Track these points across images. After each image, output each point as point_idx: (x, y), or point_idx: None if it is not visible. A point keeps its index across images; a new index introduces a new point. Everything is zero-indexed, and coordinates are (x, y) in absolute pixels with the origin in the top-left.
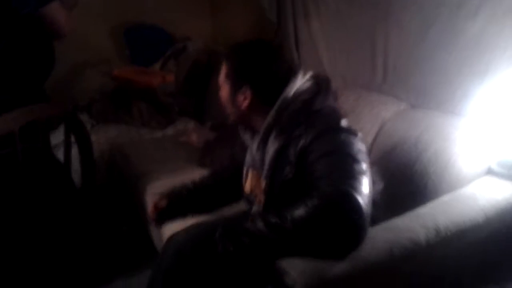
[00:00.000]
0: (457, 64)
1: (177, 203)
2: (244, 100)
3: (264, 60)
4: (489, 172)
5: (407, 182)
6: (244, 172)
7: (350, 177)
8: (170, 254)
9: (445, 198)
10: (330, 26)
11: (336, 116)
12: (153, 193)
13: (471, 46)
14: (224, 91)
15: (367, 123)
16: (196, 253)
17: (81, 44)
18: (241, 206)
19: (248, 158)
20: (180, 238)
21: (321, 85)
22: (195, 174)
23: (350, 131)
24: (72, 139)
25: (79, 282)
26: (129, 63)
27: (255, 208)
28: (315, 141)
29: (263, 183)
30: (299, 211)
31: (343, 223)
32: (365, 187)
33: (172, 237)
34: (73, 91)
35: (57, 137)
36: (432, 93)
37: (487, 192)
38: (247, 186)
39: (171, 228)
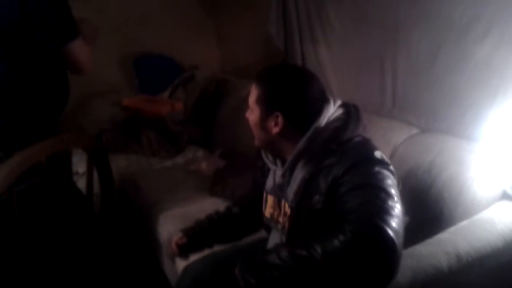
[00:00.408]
0: (466, 88)
1: (199, 236)
2: (275, 126)
3: (299, 87)
4: (504, 196)
5: (422, 208)
6: (264, 197)
7: (382, 211)
8: (188, 284)
9: (463, 223)
10: (338, 52)
11: (369, 146)
12: (167, 225)
13: (480, 69)
14: (254, 114)
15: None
16: (214, 285)
17: (90, 74)
18: (256, 233)
19: (268, 184)
20: (196, 268)
21: (351, 113)
22: (206, 202)
23: (384, 163)
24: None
25: None
26: (138, 92)
27: (274, 234)
28: (348, 173)
29: (288, 210)
30: (331, 245)
31: (376, 258)
32: (397, 222)
33: (187, 268)
34: (82, 121)
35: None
36: (442, 117)
37: (504, 216)
38: (267, 211)
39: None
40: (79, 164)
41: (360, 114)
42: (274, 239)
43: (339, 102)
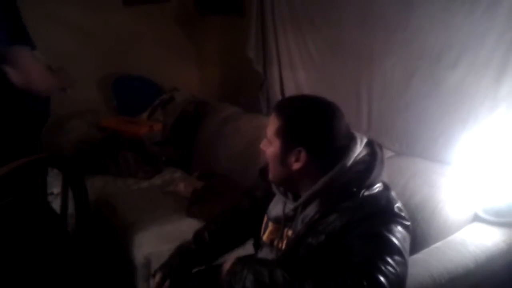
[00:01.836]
0: (438, 113)
1: (178, 271)
2: (296, 162)
3: (325, 121)
4: (476, 218)
5: None
6: (264, 222)
7: (387, 267)
8: None
9: (437, 245)
10: (315, 77)
11: (390, 198)
12: (143, 246)
13: (451, 95)
14: (273, 147)
15: None
16: None
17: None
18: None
19: (272, 211)
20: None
21: (376, 155)
22: (183, 223)
23: (401, 217)
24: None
25: None
26: (117, 114)
27: (267, 254)
28: (364, 220)
29: (291, 239)
30: (326, 285)
31: None
32: (398, 280)
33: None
34: (59, 141)
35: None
36: (415, 140)
37: (476, 238)
38: (266, 236)
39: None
40: (55, 184)
41: (384, 155)
42: (265, 257)
43: (365, 140)
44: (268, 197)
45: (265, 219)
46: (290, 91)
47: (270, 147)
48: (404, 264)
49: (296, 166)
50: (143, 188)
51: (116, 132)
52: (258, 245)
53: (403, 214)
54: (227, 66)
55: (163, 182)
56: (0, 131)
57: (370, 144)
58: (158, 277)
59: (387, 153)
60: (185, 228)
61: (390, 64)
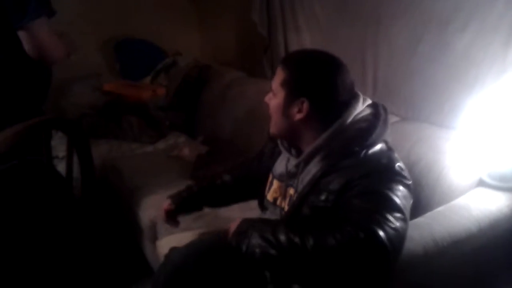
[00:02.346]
0: (445, 78)
1: (188, 201)
2: (299, 112)
3: (330, 74)
4: (480, 183)
5: None
6: (269, 180)
7: (385, 222)
8: (167, 274)
9: (439, 209)
10: (321, 40)
11: (392, 157)
12: (149, 210)
13: (459, 60)
14: (277, 98)
15: None
16: (199, 271)
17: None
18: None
19: (277, 169)
20: (178, 257)
21: (380, 115)
22: None
23: (402, 176)
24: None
25: None
26: (120, 77)
27: (271, 216)
28: (365, 177)
29: (293, 198)
30: (325, 239)
31: (364, 265)
32: (397, 235)
33: (169, 255)
34: (63, 105)
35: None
36: (421, 105)
37: (480, 202)
38: (270, 195)
39: (167, 243)
40: (59, 148)
41: (388, 117)
42: (270, 218)
43: (368, 101)
44: (274, 157)
45: (270, 177)
46: None
47: (274, 99)
48: (404, 220)
49: (298, 116)
50: (148, 153)
51: (119, 96)
52: (263, 206)
53: (404, 173)
54: (231, 30)
55: (168, 146)
56: (6, 97)
57: (374, 105)
58: (166, 203)
59: (393, 118)
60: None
61: (397, 28)
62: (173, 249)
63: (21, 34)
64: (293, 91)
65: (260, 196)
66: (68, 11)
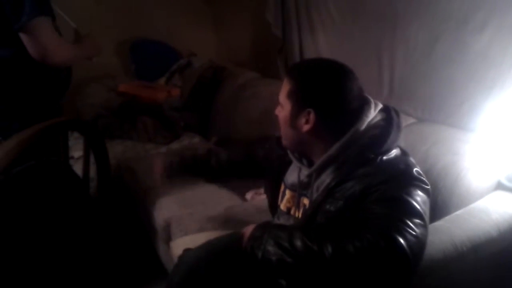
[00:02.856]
0: (463, 78)
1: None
2: (305, 124)
3: (335, 82)
4: (499, 186)
5: None
6: (281, 190)
7: (406, 229)
8: (181, 276)
9: (458, 213)
10: (336, 40)
11: (408, 162)
12: (163, 210)
13: (477, 60)
14: (284, 110)
15: None
16: (211, 273)
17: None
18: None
19: (288, 178)
20: (191, 258)
21: (392, 120)
22: (202, 188)
23: (421, 181)
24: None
25: None
26: (135, 78)
27: (283, 221)
28: (383, 184)
29: (307, 207)
30: (344, 247)
31: (385, 274)
32: (417, 242)
33: (182, 257)
34: (78, 106)
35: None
36: (438, 107)
37: (499, 206)
38: (283, 205)
39: (181, 244)
40: (75, 148)
41: (401, 121)
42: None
43: (380, 106)
44: (284, 165)
45: (282, 187)
46: (309, 55)
47: (282, 111)
48: (424, 227)
49: (305, 128)
50: (162, 153)
51: (134, 97)
52: (274, 209)
53: (422, 177)
54: (245, 30)
55: (182, 147)
56: (23, 98)
57: (386, 110)
58: (168, 161)
59: (409, 120)
60: (204, 193)
61: (414, 28)
62: (186, 250)
63: (22, 36)
64: (299, 102)
65: (270, 201)
66: (83, 12)
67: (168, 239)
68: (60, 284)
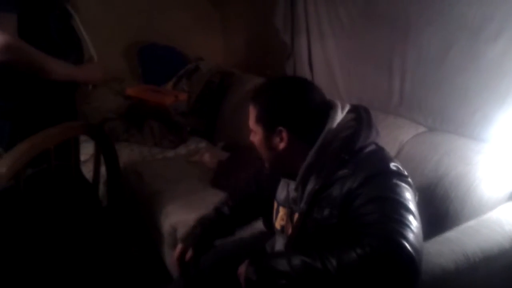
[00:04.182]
0: (476, 87)
1: (199, 244)
2: (280, 142)
3: (296, 96)
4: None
5: (428, 207)
6: (275, 208)
7: (402, 227)
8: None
9: (471, 223)
10: (346, 48)
11: (384, 157)
12: (169, 215)
13: (491, 69)
14: (257, 136)
15: (385, 147)
16: (216, 279)
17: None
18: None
19: (280, 195)
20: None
21: (362, 119)
22: (209, 193)
23: (401, 175)
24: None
25: None
26: (142, 82)
27: (280, 241)
28: (364, 185)
29: (295, 218)
30: (347, 258)
31: (394, 276)
32: (416, 238)
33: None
34: (85, 110)
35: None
36: (450, 116)
37: None
38: (277, 223)
39: None
40: (82, 152)
41: (372, 118)
42: (280, 245)
43: (348, 107)
44: (274, 183)
45: (275, 204)
46: (318, 61)
47: (255, 137)
48: (416, 219)
49: (281, 146)
50: (169, 158)
51: (141, 101)
52: (269, 226)
53: (401, 171)
54: (253, 36)
55: (188, 152)
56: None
57: (355, 110)
58: (179, 248)
59: (420, 129)
60: (211, 198)
61: (426, 35)
62: None
63: None
64: (268, 124)
65: (264, 217)
66: (92, 16)
67: (175, 244)
68: (65, 286)
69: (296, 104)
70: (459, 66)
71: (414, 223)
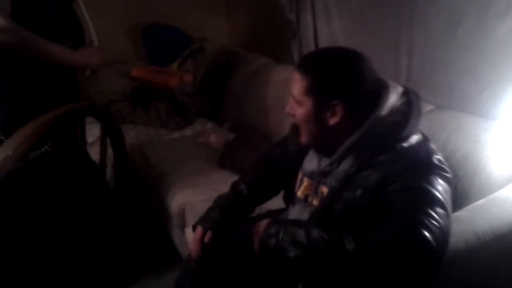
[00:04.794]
0: (485, 65)
1: (219, 225)
2: (333, 116)
3: (357, 70)
4: None
5: None
6: (299, 178)
7: (429, 220)
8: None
9: (480, 202)
10: (352, 26)
11: (428, 149)
12: (177, 196)
13: (500, 46)
14: (304, 107)
15: None
16: (227, 256)
17: (99, 45)
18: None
19: (306, 166)
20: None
21: (412, 104)
22: (215, 174)
23: (441, 169)
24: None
25: (100, 285)
26: (147, 63)
27: (300, 210)
28: (403, 173)
29: (326, 195)
30: (367, 241)
31: (412, 267)
32: (442, 233)
33: None
34: (91, 91)
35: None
36: (458, 94)
37: None
38: (301, 192)
39: None
40: (88, 133)
41: (421, 104)
42: (299, 214)
43: (400, 89)
44: (302, 153)
45: (300, 174)
46: (324, 41)
47: (300, 109)
48: (447, 216)
49: (333, 121)
50: (175, 139)
51: (147, 82)
52: (289, 199)
53: (443, 166)
54: (258, 15)
55: (195, 133)
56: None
57: (405, 94)
58: (199, 231)
59: (428, 107)
60: (218, 179)
61: (434, 12)
62: None
63: None
64: (322, 97)
65: (287, 190)
66: None
67: (183, 225)
68: (74, 268)
69: (357, 77)
70: (467, 44)
71: (443, 218)
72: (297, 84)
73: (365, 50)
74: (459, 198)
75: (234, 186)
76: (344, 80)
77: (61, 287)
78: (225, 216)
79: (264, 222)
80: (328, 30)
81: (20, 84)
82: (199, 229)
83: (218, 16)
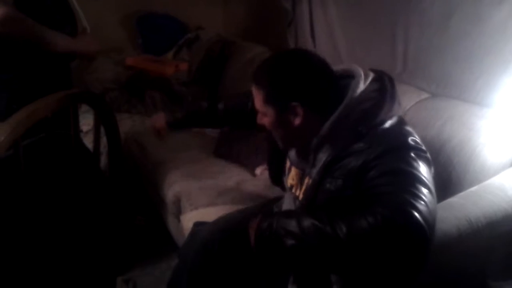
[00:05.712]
0: (480, 52)
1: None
2: (295, 118)
3: (304, 69)
4: None
5: None
6: (287, 166)
7: (416, 199)
8: (196, 251)
9: (473, 189)
10: (348, 13)
11: (403, 131)
12: (172, 185)
13: (495, 34)
14: (268, 116)
15: None
16: (224, 249)
17: (93, 33)
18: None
19: (293, 155)
20: (205, 234)
21: (386, 90)
22: (211, 163)
23: (419, 149)
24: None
25: (94, 274)
26: (142, 52)
27: (290, 199)
28: (380, 157)
29: (309, 187)
30: (358, 225)
31: (404, 248)
32: (430, 212)
33: (195, 233)
34: (86, 80)
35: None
36: (453, 82)
37: None
38: (288, 181)
39: (191, 218)
40: (83, 122)
41: (396, 89)
42: (289, 204)
43: (371, 76)
44: None
45: (288, 163)
46: (320, 29)
47: (265, 118)
48: (431, 194)
49: (297, 121)
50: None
51: (142, 71)
52: (276, 181)
53: (419, 146)
54: (253, 3)
55: None
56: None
57: (379, 79)
58: (162, 121)
59: (423, 95)
60: (213, 168)
61: (429, 1)
62: (198, 225)
63: None
64: (280, 102)
65: (271, 170)
66: None
67: (178, 213)
68: (69, 257)
69: (305, 75)
70: (463, 31)
71: (428, 196)
72: (256, 98)
73: (361, 38)
74: (454, 185)
75: (214, 102)
76: (293, 82)
77: (56, 275)
78: (188, 118)
79: (256, 219)
80: (324, 19)
81: (22, 72)
82: (163, 119)
83: (213, 5)
